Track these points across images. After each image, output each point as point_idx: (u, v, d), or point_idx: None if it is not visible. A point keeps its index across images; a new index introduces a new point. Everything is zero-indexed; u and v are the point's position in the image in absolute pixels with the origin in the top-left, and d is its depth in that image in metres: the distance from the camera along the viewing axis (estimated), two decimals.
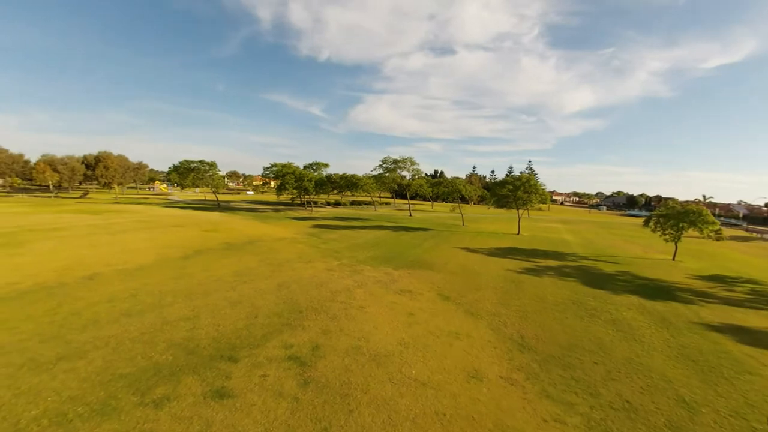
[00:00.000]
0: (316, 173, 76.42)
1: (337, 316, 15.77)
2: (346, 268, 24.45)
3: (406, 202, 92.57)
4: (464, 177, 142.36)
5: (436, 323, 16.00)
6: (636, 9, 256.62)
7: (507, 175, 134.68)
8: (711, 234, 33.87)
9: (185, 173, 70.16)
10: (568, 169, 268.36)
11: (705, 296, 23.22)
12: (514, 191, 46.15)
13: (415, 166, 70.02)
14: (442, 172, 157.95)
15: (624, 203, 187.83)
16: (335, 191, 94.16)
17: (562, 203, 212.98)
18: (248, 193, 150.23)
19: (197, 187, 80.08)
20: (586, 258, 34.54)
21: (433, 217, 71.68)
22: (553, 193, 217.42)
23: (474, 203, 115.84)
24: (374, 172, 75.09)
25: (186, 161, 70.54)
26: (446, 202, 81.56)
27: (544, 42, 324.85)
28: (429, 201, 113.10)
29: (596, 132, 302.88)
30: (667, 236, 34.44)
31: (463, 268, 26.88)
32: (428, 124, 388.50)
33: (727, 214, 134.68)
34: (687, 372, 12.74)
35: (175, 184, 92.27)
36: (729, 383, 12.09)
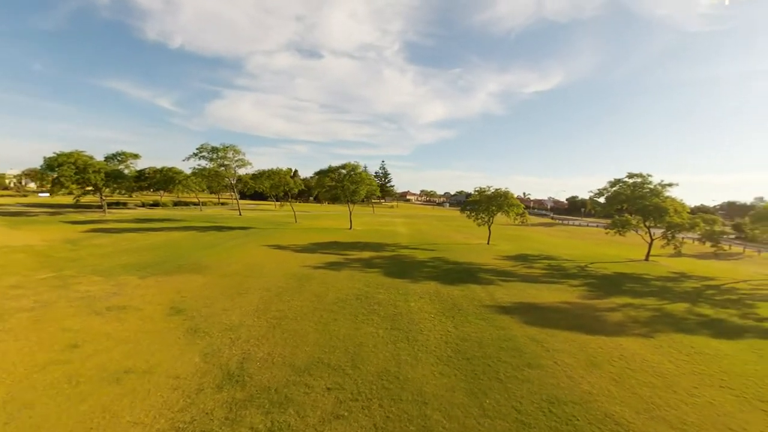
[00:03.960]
0: (120, 166, 60.02)
1: None
2: (56, 281, 16.11)
3: (248, 202, 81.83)
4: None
5: (110, 356, 9.66)
6: (479, 38, 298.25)
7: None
8: (516, 217, 35.74)
9: None
10: (424, 173, 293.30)
11: (506, 275, 22.35)
12: (340, 181, 42.45)
13: (240, 156, 60.66)
14: (296, 171, 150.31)
15: (464, 200, 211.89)
16: (152, 189, 77.65)
17: (413, 201, 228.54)
18: (40, 195, 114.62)
19: None
20: (406, 247, 32.52)
21: (266, 216, 64.00)
22: (407, 192, 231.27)
23: (328, 202, 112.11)
24: (191, 163, 61.99)
25: None
26: (314, 201, 74.63)
27: (404, 57, 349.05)
28: (294, 201, 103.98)
29: (448, 141, 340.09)
30: (480, 221, 35.10)
31: (248, 269, 20.92)
32: (296, 125, 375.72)
33: (540, 206, 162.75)
34: (454, 380, 9.16)
35: None
36: (502, 389, 8.85)
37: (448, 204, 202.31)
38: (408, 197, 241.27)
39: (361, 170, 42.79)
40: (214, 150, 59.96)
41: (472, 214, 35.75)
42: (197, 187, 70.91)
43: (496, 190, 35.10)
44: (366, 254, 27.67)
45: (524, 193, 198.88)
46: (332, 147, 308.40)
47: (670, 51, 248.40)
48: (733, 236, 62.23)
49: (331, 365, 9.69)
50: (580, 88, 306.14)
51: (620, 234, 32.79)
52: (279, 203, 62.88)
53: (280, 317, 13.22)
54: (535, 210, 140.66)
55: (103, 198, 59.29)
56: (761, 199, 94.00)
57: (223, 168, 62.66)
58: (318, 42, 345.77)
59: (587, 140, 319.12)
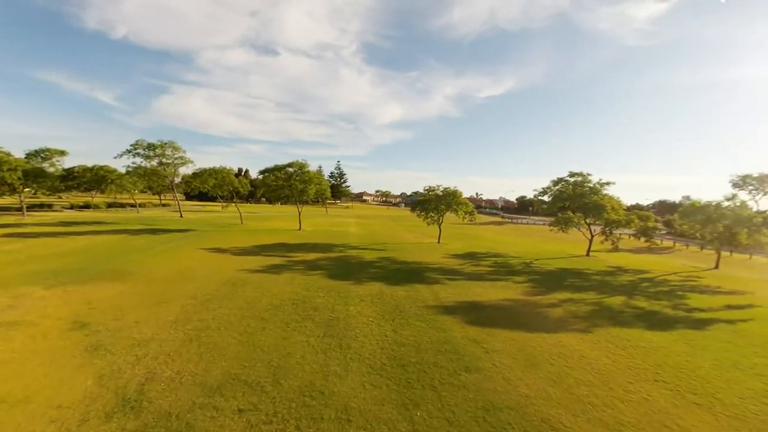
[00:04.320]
0: (44, 163, 53.75)
1: None
2: None
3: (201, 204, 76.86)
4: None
5: None
6: (436, 42, 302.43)
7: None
8: (465, 216, 35.94)
9: None
10: (381, 173, 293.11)
11: (453, 274, 22.04)
12: (287, 180, 40.67)
13: (179, 154, 56.65)
14: (246, 171, 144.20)
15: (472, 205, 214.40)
16: (82, 189, 70.95)
17: (369, 202, 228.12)
18: None
19: None
20: (355, 248, 31.55)
21: (210, 218, 60.41)
22: (363, 193, 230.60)
23: (281, 203, 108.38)
24: (125, 161, 57.02)
25: None
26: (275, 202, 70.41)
27: (362, 58, 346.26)
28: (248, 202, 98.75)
29: (405, 142, 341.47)
30: (429, 220, 34.93)
31: (177, 275, 19.01)
32: (251, 124, 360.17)
33: (491, 206, 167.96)
34: (385, 391, 8.33)
35: None
36: (436, 398, 8.15)
37: (403, 204, 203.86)
38: (364, 198, 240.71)
39: (309, 169, 41.28)
40: (151, 147, 55.49)
41: (422, 214, 35.49)
42: (133, 187, 65.74)
43: (445, 189, 35.10)
44: (312, 256, 26.40)
45: (477, 194, 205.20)
46: (288, 147, 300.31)
47: (611, 62, 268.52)
48: (664, 232, 66.95)
49: (248, 382, 8.53)
50: (530, 93, 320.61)
51: (563, 231, 33.86)
52: (224, 204, 59.54)
53: (200, 328, 11.78)
54: (487, 209, 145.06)
55: (23, 199, 53.23)
56: (688, 197, 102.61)
57: (162, 167, 58.31)
58: (274, 39, 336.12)
59: (536, 143, 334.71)
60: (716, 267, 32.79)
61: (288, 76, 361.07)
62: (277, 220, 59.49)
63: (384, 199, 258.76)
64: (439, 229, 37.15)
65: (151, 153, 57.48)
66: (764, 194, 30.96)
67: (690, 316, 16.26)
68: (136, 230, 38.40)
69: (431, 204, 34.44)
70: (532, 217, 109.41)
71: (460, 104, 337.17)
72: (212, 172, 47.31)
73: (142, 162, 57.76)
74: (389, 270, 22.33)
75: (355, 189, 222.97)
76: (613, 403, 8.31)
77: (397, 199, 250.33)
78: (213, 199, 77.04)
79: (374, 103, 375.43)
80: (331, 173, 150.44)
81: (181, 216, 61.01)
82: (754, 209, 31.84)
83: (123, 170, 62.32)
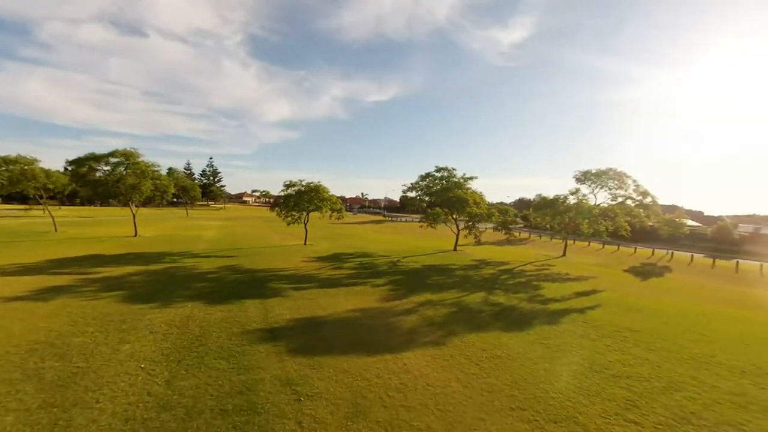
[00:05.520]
0: None
1: None
2: None
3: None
4: None
5: None
6: (325, 43, 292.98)
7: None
8: (333, 214, 32.95)
9: None
10: (268, 173, 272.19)
11: (306, 281, 18.64)
12: (111, 174, 32.36)
13: None
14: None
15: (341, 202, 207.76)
16: None
17: (250, 203, 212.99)
18: None
19: None
20: (196, 256, 25.98)
21: (11, 225, 46.62)
22: (243, 194, 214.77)
23: (137, 204, 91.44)
24: None
25: None
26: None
27: (247, 50, 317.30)
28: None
29: (294, 141, 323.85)
30: (290, 219, 30.95)
31: None
32: (110, 113, 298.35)
33: (375, 205, 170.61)
34: None
35: None
36: None
37: None
38: (245, 198, 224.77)
39: (141, 159, 33.48)
40: None
41: (282, 212, 31.25)
42: None
43: (308, 184, 31.50)
44: (124, 270, 20.25)
45: (362, 194, 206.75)
46: (159, 142, 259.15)
47: (483, 78, 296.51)
48: (522, 225, 73.87)
49: None
50: (414, 100, 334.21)
51: (432, 227, 33.22)
52: (25, 206, 46.77)
53: None
54: (371, 208, 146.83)
55: None
56: (540, 195, 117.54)
57: None
58: (141, 18, 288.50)
59: (418, 146, 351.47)
60: (564, 254, 35.73)
61: (158, 61, 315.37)
62: (112, 226, 48.72)
63: (266, 199, 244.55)
64: (305, 229, 33.44)
65: None
66: (601, 188, 34.52)
67: (545, 309, 15.55)
68: None
69: (291, 201, 30.44)
70: (412, 215, 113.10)
71: (348, 106, 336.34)
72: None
73: None
74: (223, 282, 17.84)
75: (238, 189, 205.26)
76: None
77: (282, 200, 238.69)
78: (25, 199, 60.59)
79: (260, 99, 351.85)
80: (203, 171, 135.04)
81: None
82: (593, 202, 35.45)
83: None
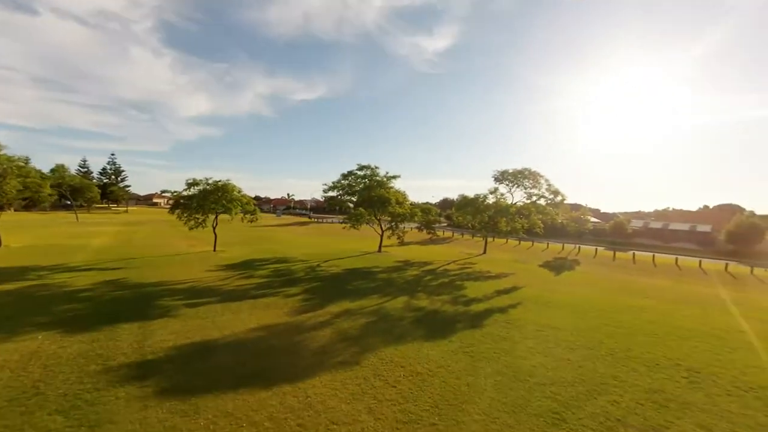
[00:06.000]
0: None
1: None
2: None
3: None
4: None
5: None
6: (248, 36, 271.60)
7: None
8: (245, 216, 30.05)
9: None
10: (185, 173, 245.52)
11: (205, 295, 16.13)
12: None
13: None
14: None
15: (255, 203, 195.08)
16: None
17: (161, 205, 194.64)
18: None
19: None
20: (73, 269, 21.73)
21: None
22: (154, 195, 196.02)
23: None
24: None
25: None
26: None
27: (159, 38, 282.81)
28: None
29: (214, 139, 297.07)
30: (193, 222, 27.45)
31: None
32: None
33: (301, 206, 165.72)
34: None
35: None
36: None
37: None
38: (156, 200, 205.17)
39: (1, 153, 27.41)
40: None
41: (184, 215, 27.53)
42: None
43: (214, 182, 28.22)
44: None
45: (288, 194, 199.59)
46: (53, 136, 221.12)
47: (410, 83, 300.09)
48: (446, 224, 75.76)
49: None
50: (342, 101, 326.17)
51: (355, 228, 31.85)
52: None
53: None
54: (297, 210, 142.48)
55: None
56: (462, 195, 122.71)
57: None
58: None
59: (347, 147, 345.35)
60: (485, 252, 36.58)
61: (52, 44, 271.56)
62: None
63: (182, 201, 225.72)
64: (214, 233, 30.06)
65: None
66: (517, 187, 35.88)
67: (468, 311, 14.93)
68: None
69: (194, 202, 26.94)
70: (339, 216, 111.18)
71: (273, 104, 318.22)
72: None
73: None
74: (97, 302, 14.66)
75: (150, 189, 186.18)
76: None
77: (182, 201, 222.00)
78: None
79: (176, 92, 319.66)
80: (104, 170, 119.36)
81: None
82: (510, 201, 36.77)
83: None
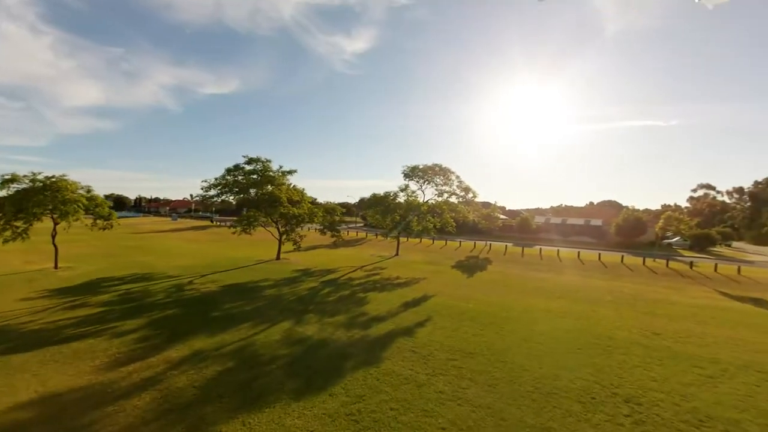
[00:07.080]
0: None
1: None
2: None
3: None
4: None
5: None
6: (150, 21, 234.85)
7: None
8: (86, 219, 23.52)
9: None
10: (72, 172, 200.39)
11: None
12: None
13: None
14: None
15: (111, 205, 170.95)
16: None
17: None
18: None
19: None
20: None
21: None
22: None
23: None
24: None
25: None
26: None
27: (38, 13, 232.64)
28: None
29: (107, 134, 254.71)
30: (9, 233, 20.56)
31: None
32: None
33: (205, 209, 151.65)
34: None
35: None
36: None
37: None
38: None
39: None
40: None
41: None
42: None
43: (46, 177, 21.55)
44: None
45: (191, 195, 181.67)
46: None
47: (329, 82, 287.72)
48: (361, 224, 73.21)
49: None
50: (256, 97, 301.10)
51: (246, 232, 27.17)
52: None
53: None
54: (199, 213, 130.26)
55: None
56: (374, 193, 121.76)
57: None
58: None
59: (262, 145, 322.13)
60: (397, 254, 34.30)
61: None
62: None
63: None
64: (54, 245, 23.26)
65: None
66: (428, 184, 34.14)
67: (366, 337, 11.90)
68: None
69: (10, 207, 20.02)
70: None
71: (179, 97, 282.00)
72: None
73: None
74: None
75: None
76: None
77: None
78: None
79: (58, 77, 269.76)
80: None
81: None
82: (422, 199, 35.00)
83: None
